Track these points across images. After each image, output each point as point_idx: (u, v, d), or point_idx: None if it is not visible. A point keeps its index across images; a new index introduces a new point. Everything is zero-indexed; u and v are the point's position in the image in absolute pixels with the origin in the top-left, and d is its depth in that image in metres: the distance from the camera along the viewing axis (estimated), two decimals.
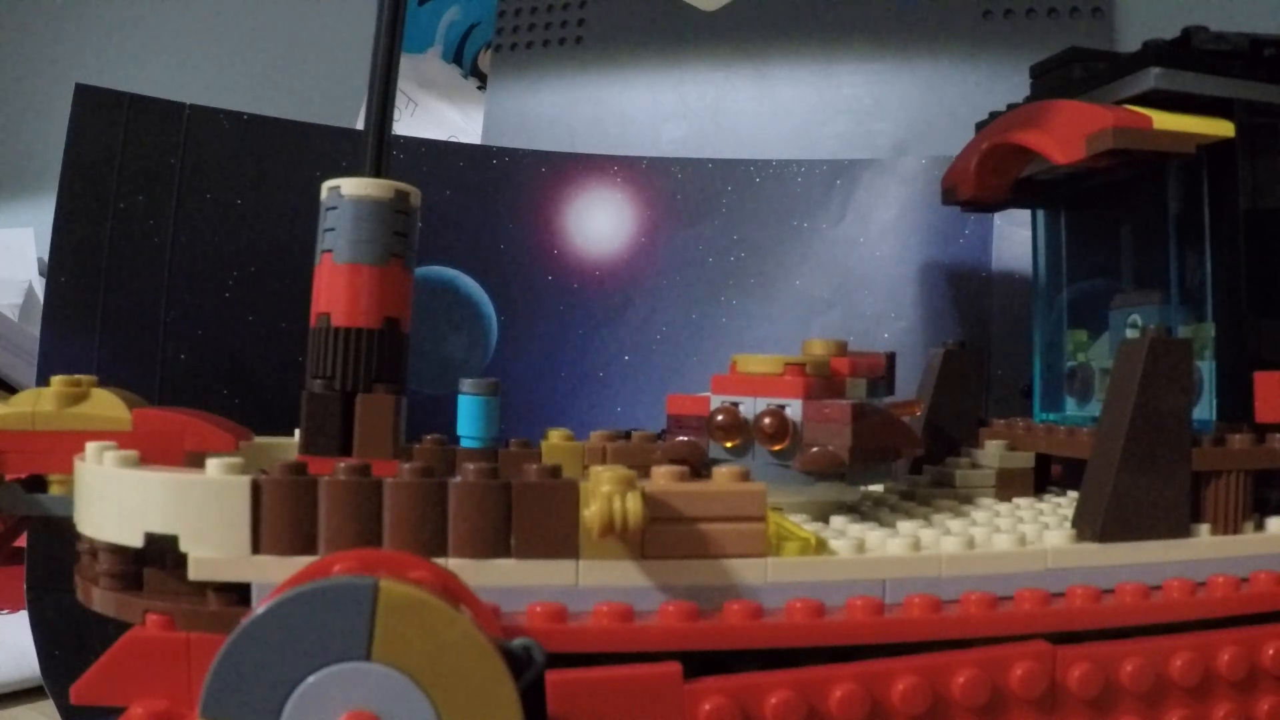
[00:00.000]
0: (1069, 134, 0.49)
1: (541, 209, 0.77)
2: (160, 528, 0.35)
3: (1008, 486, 0.52)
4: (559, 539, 0.36)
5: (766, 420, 0.45)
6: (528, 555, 0.36)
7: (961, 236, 0.74)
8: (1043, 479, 0.54)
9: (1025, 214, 0.63)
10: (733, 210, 0.78)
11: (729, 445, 0.46)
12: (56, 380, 0.46)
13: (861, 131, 0.88)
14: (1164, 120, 0.47)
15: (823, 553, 0.39)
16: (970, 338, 0.70)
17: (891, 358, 0.52)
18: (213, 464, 0.36)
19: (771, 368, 0.46)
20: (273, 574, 0.34)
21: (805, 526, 0.41)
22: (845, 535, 0.41)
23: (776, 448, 0.45)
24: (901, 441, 0.47)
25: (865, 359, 0.49)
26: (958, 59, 0.87)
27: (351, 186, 0.42)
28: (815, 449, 0.44)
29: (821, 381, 0.46)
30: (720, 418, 0.46)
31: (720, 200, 0.78)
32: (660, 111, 0.94)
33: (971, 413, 0.59)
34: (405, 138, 0.76)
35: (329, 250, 0.42)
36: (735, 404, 0.46)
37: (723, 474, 0.38)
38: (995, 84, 0.84)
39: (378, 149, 0.43)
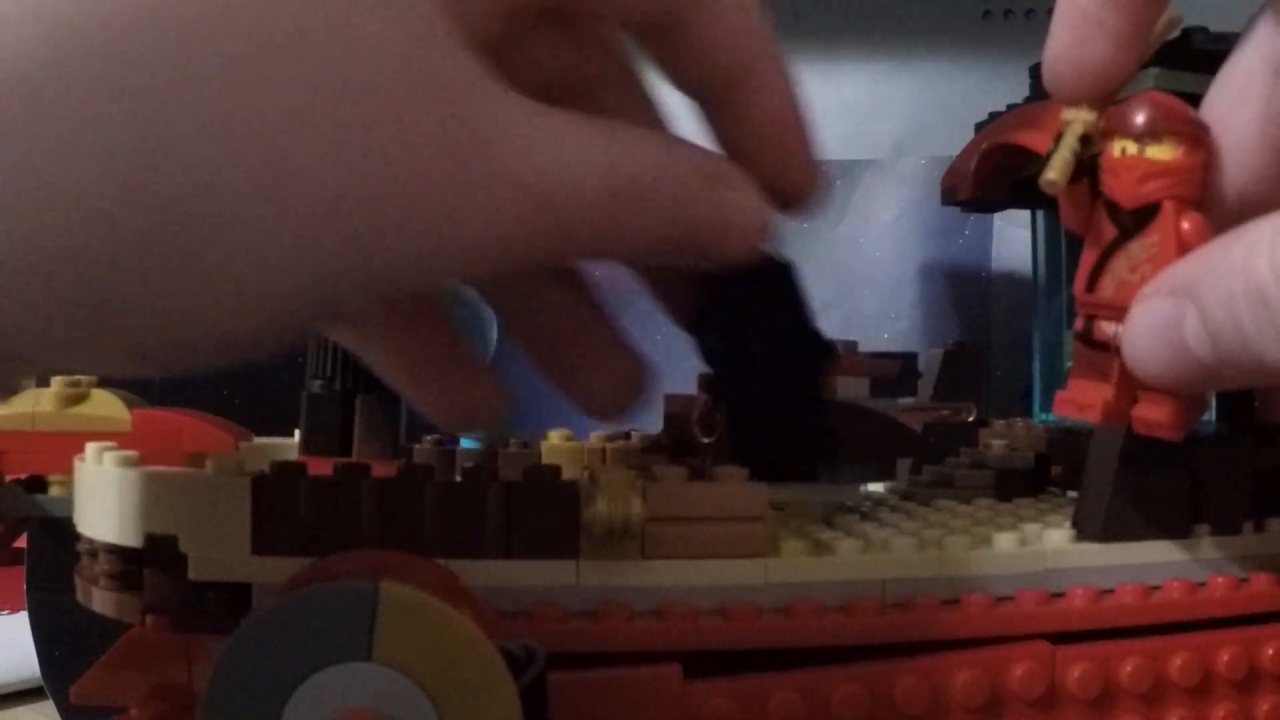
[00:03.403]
0: None
1: None
2: (160, 528, 0.35)
3: (1008, 486, 0.52)
4: (559, 539, 0.36)
5: None
6: (528, 555, 0.36)
7: (961, 236, 0.74)
8: (1043, 479, 0.54)
9: (1025, 214, 0.63)
10: None
11: None
12: (56, 380, 0.46)
13: (861, 131, 0.88)
14: None
15: (823, 553, 0.39)
16: (970, 338, 0.70)
17: (912, 359, 0.51)
18: (213, 464, 0.36)
19: None
20: (273, 574, 0.34)
21: (805, 527, 0.41)
22: (845, 535, 0.40)
23: None
24: (901, 441, 0.47)
25: (874, 361, 0.49)
26: (958, 59, 0.86)
27: None
28: None
29: None
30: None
31: None
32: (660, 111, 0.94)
33: (971, 413, 0.58)
34: None
35: None
36: None
37: (723, 474, 0.38)
38: (995, 84, 0.84)
39: None
